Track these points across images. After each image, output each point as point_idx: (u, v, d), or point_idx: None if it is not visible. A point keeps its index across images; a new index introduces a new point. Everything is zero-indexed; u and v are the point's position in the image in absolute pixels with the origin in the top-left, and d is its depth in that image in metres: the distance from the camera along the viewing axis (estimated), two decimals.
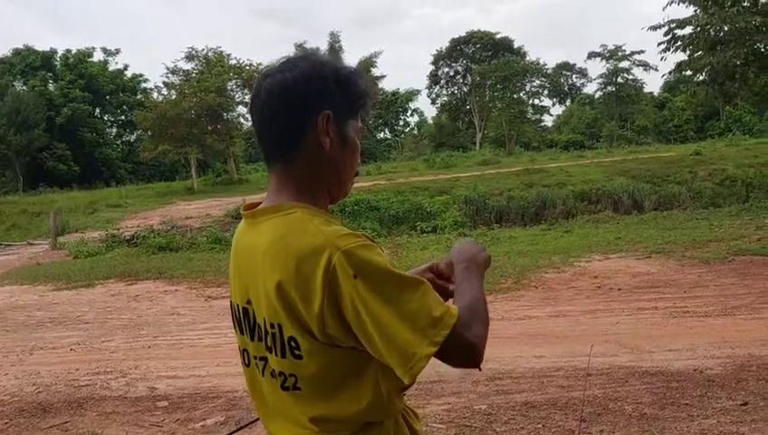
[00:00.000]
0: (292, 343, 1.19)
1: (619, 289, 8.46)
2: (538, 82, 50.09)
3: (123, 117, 48.72)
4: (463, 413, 4.31)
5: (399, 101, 56.03)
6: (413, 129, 61.81)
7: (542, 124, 56.09)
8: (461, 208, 17.82)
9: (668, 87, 52.71)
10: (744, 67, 18.53)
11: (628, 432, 3.84)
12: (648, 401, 4.34)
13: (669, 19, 19.24)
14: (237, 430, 3.63)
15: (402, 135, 59.17)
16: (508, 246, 12.99)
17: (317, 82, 1.26)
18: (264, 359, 1.27)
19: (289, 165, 1.28)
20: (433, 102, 54.36)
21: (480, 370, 1.22)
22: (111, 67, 49.51)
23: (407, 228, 16.87)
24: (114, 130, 51.23)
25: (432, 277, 1.57)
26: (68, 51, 48.20)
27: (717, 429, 3.81)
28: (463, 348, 1.17)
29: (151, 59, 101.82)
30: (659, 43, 19.65)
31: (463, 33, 51.79)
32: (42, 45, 60.95)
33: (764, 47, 18.22)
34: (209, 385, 5.25)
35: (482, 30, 51.31)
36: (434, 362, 1.15)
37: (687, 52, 19.43)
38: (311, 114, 1.25)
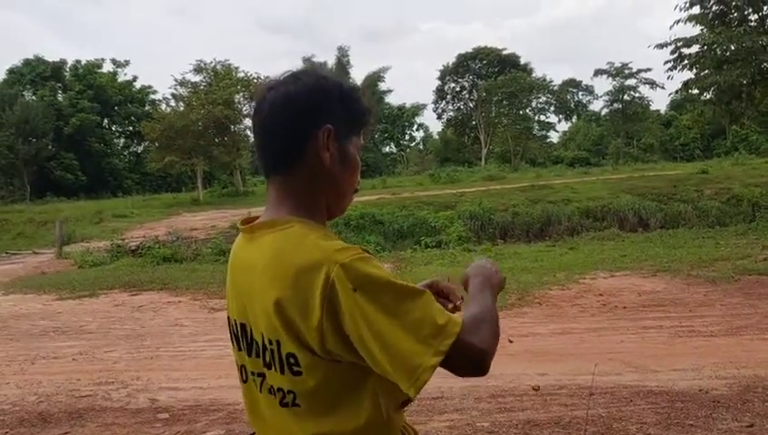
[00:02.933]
0: (291, 360, 1.17)
1: (624, 307, 8.41)
2: (544, 98, 50.28)
3: (131, 128, 48.98)
4: (465, 430, 4.28)
5: (405, 116, 56.26)
6: (418, 143, 62.02)
7: (548, 140, 56.22)
8: (466, 224, 17.80)
9: (675, 105, 52.69)
10: (750, 86, 18.57)
11: None
12: (652, 421, 4.29)
13: (676, 38, 19.37)
14: None
15: (408, 149, 59.34)
16: (512, 262, 12.94)
17: (320, 97, 1.26)
18: (262, 375, 1.26)
19: (288, 178, 1.27)
20: (439, 117, 54.59)
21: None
22: (120, 78, 49.93)
23: (411, 243, 16.84)
24: (122, 140, 51.54)
25: (431, 294, 1.56)
26: (77, 61, 48.67)
27: None
28: (469, 355, 1.15)
29: (160, 71, 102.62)
30: (666, 62, 19.76)
31: (470, 49, 52.11)
32: (51, 56, 61.62)
33: None
34: (210, 397, 5.22)
35: (489, 46, 51.67)
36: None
37: (694, 70, 19.51)
38: (312, 128, 1.24)
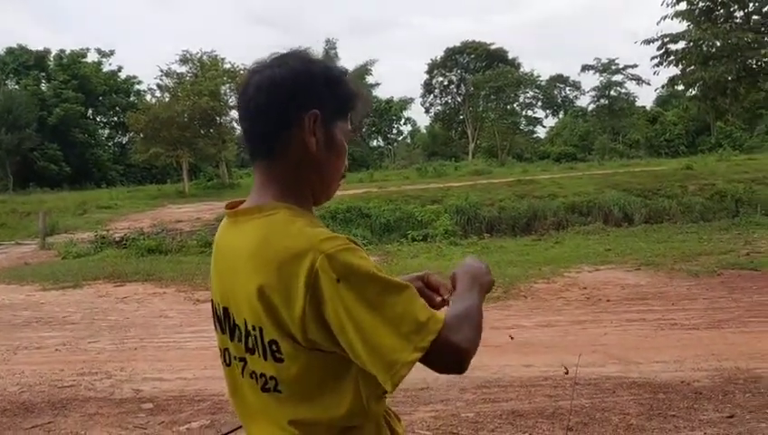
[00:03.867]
0: (273, 347, 1.17)
1: (608, 300, 8.48)
2: (531, 93, 50.45)
3: (116, 118, 48.49)
4: (450, 421, 4.30)
5: (393, 110, 56.10)
6: (406, 137, 61.95)
7: (535, 136, 56.40)
8: (452, 218, 17.81)
9: (661, 101, 53.10)
10: (735, 83, 18.73)
11: None
12: (634, 411, 4.34)
13: (663, 34, 19.47)
14: None
15: (395, 143, 59.27)
16: (499, 256, 13.00)
17: (306, 81, 1.24)
18: (244, 360, 1.25)
19: (273, 163, 1.26)
20: (426, 111, 54.59)
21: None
22: (105, 68, 49.34)
23: (398, 236, 16.84)
24: (106, 131, 50.99)
25: (421, 286, 1.55)
26: (62, 51, 48.04)
27: None
28: (449, 353, 1.14)
29: (145, 61, 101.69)
30: (652, 58, 19.88)
31: (458, 43, 52.08)
32: (35, 45, 60.67)
33: (756, 63, 18.42)
34: (195, 388, 5.21)
35: (476, 40, 51.59)
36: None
37: (680, 66, 19.64)
38: (298, 112, 1.22)
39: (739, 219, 17.21)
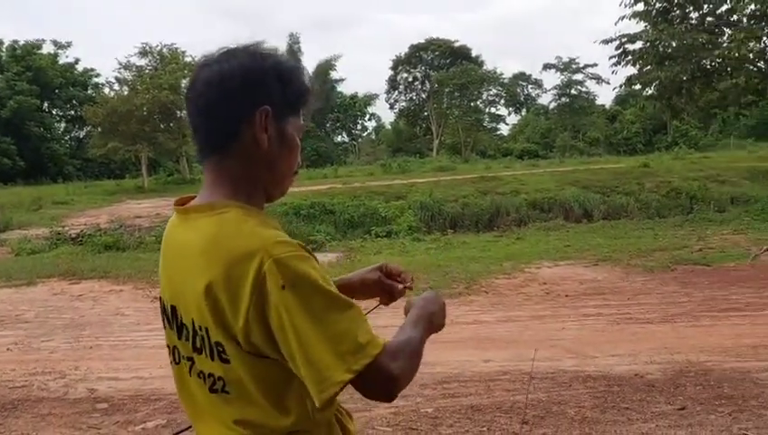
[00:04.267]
0: (219, 348, 1.15)
1: (566, 295, 8.62)
2: (495, 90, 50.75)
3: (73, 112, 47.16)
4: (409, 416, 4.32)
5: (358, 105, 55.97)
6: (371, 133, 61.91)
7: (498, 133, 56.95)
8: (416, 214, 17.88)
9: (619, 100, 54.08)
10: (690, 82, 19.19)
11: None
12: (589, 404, 4.42)
13: (621, 34, 19.81)
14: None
15: (360, 139, 59.16)
16: (461, 251, 13.10)
17: (257, 76, 1.22)
18: (191, 359, 1.23)
19: (224, 160, 1.23)
20: (391, 108, 54.52)
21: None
22: (61, 60, 47.94)
23: (361, 232, 16.83)
24: (63, 125, 49.58)
25: (380, 276, 1.55)
26: (15, 42, 46.49)
27: (655, 432, 3.91)
28: (382, 380, 1.13)
29: (104, 53, 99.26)
30: (611, 57, 20.23)
31: (422, 40, 52.18)
32: None
33: (710, 63, 18.89)
34: (152, 387, 5.13)
35: (441, 37, 51.77)
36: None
37: (637, 66, 20.02)
38: (248, 109, 1.20)
39: (693, 216, 17.68)
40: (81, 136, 47.36)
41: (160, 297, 1.34)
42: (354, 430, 1.35)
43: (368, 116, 58.93)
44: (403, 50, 52.84)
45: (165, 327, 1.33)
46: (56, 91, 46.45)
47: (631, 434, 3.89)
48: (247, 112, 1.21)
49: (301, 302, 1.08)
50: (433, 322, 1.35)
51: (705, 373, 5.07)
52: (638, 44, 19.34)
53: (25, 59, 44.96)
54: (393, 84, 52.95)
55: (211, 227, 1.17)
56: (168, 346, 1.33)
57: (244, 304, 1.09)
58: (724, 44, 18.07)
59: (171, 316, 1.27)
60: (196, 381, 1.25)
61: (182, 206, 1.28)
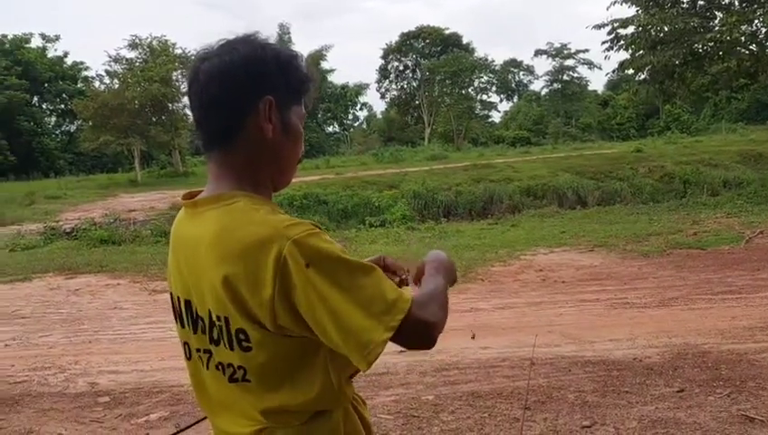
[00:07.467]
0: (241, 336, 1.16)
1: (563, 282, 8.66)
2: (486, 78, 50.73)
3: (63, 106, 46.81)
4: (410, 404, 4.34)
5: (348, 95, 55.75)
6: (362, 123, 61.77)
7: (490, 120, 56.96)
8: (409, 203, 17.90)
9: (612, 85, 54.20)
10: (682, 67, 19.22)
11: (570, 419, 3.94)
12: (589, 389, 4.46)
13: (613, 18, 19.78)
14: (180, 431, 3.55)
15: (351, 129, 59.02)
16: (456, 239, 13.13)
17: (258, 67, 1.22)
18: (209, 352, 1.24)
19: (228, 152, 1.24)
20: (382, 97, 54.31)
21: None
22: (50, 54, 47.58)
23: (355, 223, 16.84)
24: (53, 119, 49.23)
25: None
26: (3, 36, 46.04)
27: (655, 414, 3.95)
28: (418, 329, 1.17)
29: (93, 47, 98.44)
30: (603, 42, 20.20)
31: (412, 28, 51.97)
32: None
33: (702, 47, 18.91)
34: (153, 380, 5.13)
35: (431, 25, 51.58)
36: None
37: (630, 51, 20.02)
38: (251, 100, 1.21)
39: (687, 200, 17.78)
40: (72, 130, 47.03)
41: (171, 293, 1.34)
42: (369, 417, 1.37)
43: (359, 106, 58.80)
44: (393, 38, 52.66)
45: (177, 323, 1.33)
46: (45, 85, 46.13)
47: (632, 417, 3.93)
48: (251, 103, 1.21)
49: (326, 276, 1.11)
50: (449, 271, 1.42)
51: (702, 356, 5.11)
52: (630, 29, 19.31)
53: (14, 53, 44.58)
54: (384, 73, 52.72)
55: (221, 217, 1.18)
56: (182, 342, 1.33)
57: (267, 290, 1.10)
58: (716, 28, 18.08)
59: (185, 311, 1.28)
60: (213, 374, 1.25)
61: (190, 200, 1.28)
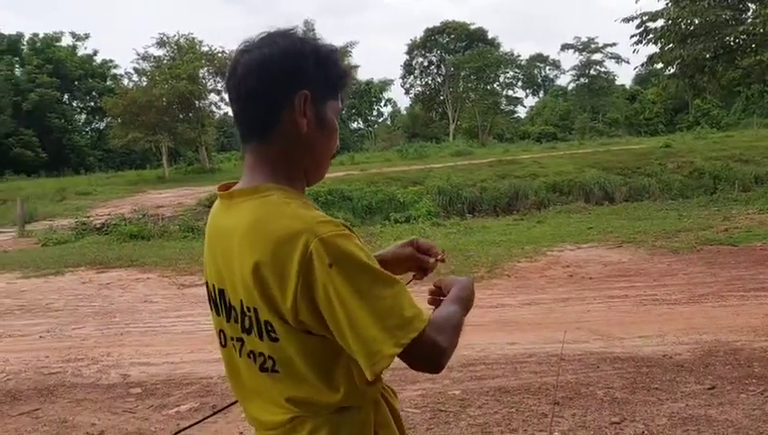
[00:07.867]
0: (269, 327, 1.18)
1: (590, 278, 8.58)
2: (512, 73, 50.42)
3: (92, 103, 47.67)
4: (437, 398, 4.35)
5: (373, 91, 55.82)
6: (386, 119, 61.78)
7: (516, 116, 56.59)
8: (434, 199, 17.88)
9: (640, 80, 53.43)
10: (713, 60, 18.83)
11: (599, 416, 3.91)
12: (618, 385, 4.42)
13: (642, 12, 19.47)
14: (213, 414, 3.62)
15: (375, 125, 59.08)
16: (481, 235, 13.07)
17: (296, 60, 1.22)
18: (241, 340, 1.26)
19: (264, 144, 1.25)
20: (407, 93, 54.24)
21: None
22: (80, 52, 48.48)
23: (380, 219, 16.88)
24: (83, 116, 50.21)
25: (412, 251, 1.57)
26: (35, 35, 47.10)
27: (686, 411, 3.90)
28: (429, 352, 1.16)
29: (122, 45, 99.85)
30: (632, 36, 19.84)
31: (437, 24, 51.78)
32: (7, 29, 59.45)
33: (733, 40, 18.52)
34: (183, 372, 5.21)
35: (456, 20, 51.33)
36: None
37: (659, 44, 19.67)
38: (288, 93, 1.22)
39: (717, 196, 17.48)
40: (102, 127, 47.84)
41: (206, 282, 1.36)
42: (398, 408, 1.38)
43: (383, 102, 58.80)
44: (418, 34, 52.56)
45: (212, 311, 1.36)
46: (75, 82, 46.98)
47: (662, 414, 3.89)
48: (286, 97, 1.22)
49: (347, 279, 1.11)
50: (470, 301, 1.39)
51: (734, 353, 5.04)
52: (660, 22, 18.97)
53: (45, 52, 45.49)
54: (408, 69, 52.64)
55: (255, 209, 1.19)
56: (216, 330, 1.36)
57: (291, 284, 1.11)
58: (749, 20, 17.69)
59: (219, 299, 1.30)
60: (245, 362, 1.27)
61: (225, 191, 1.30)
